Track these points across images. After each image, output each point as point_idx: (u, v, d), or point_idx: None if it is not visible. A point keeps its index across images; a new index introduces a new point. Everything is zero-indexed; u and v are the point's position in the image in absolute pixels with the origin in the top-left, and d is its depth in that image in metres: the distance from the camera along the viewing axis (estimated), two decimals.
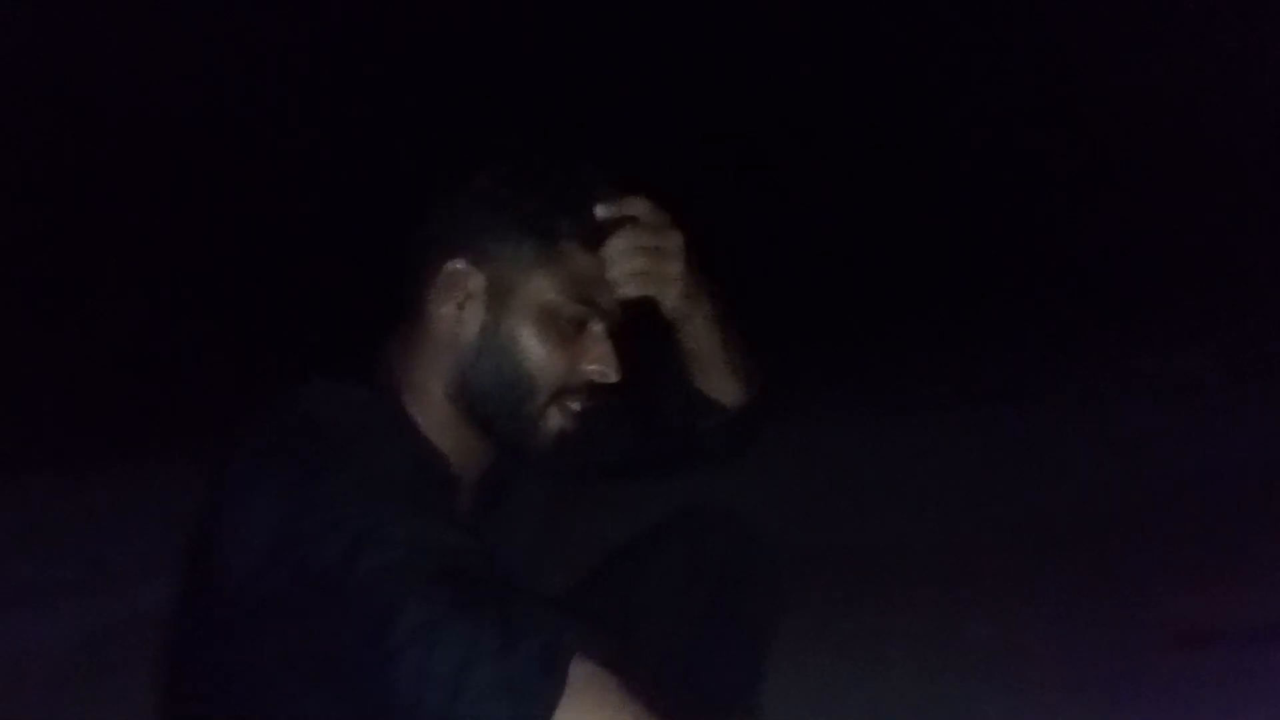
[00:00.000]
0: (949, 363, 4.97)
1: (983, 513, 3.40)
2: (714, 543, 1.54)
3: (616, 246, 1.29)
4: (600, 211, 1.28)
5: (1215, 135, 6.30)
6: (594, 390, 1.29)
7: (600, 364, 1.27)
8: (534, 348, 1.24)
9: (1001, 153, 6.83)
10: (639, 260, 1.31)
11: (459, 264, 1.25)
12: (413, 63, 7.08)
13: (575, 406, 1.28)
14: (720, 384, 1.48)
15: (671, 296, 1.38)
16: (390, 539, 1.04)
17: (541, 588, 1.42)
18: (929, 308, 5.72)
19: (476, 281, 1.25)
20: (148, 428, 4.35)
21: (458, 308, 1.25)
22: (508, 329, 1.25)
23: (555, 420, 1.27)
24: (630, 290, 1.32)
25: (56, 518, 3.43)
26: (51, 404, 4.66)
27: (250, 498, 1.14)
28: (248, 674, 1.15)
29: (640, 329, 1.36)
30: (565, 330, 1.25)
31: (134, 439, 4.19)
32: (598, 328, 1.28)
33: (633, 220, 1.31)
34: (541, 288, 1.24)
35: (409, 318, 1.28)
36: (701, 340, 1.44)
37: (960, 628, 2.51)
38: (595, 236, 1.28)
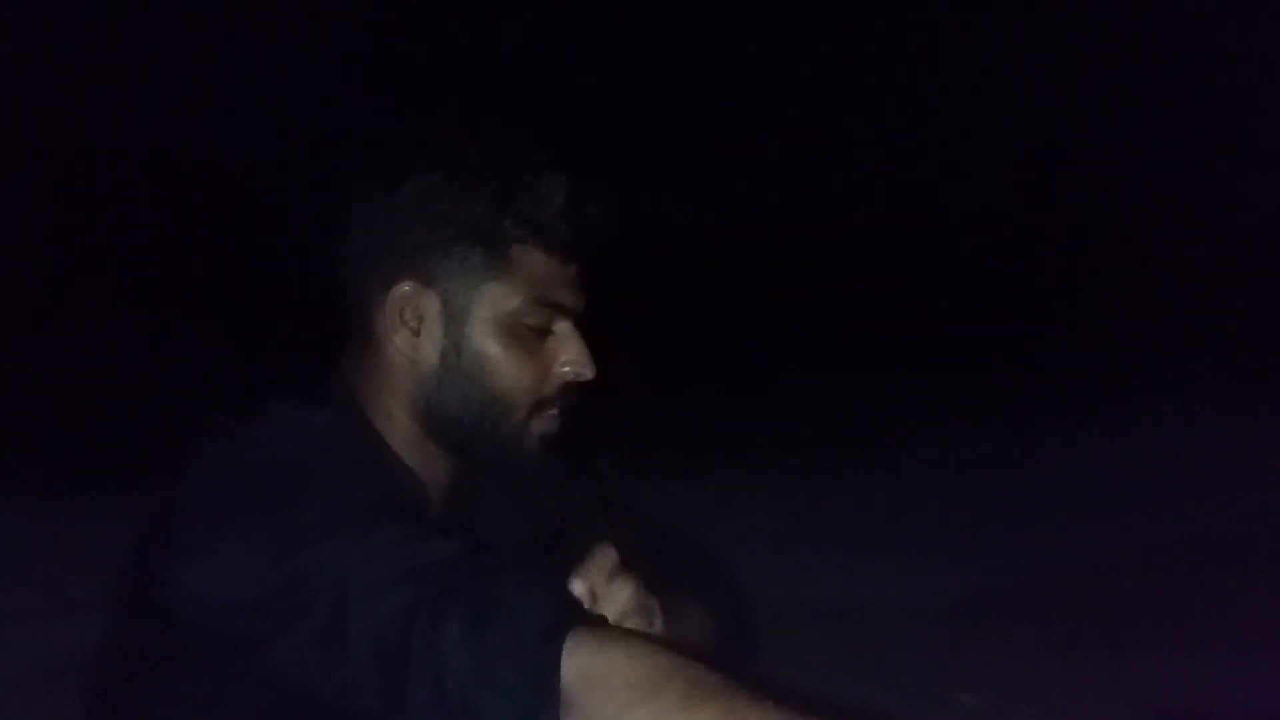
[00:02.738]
0: (939, 427, 4.95)
1: (969, 579, 3.36)
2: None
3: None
4: None
5: (1203, 215, 6.37)
6: (570, 390, 1.19)
7: (573, 364, 1.17)
8: (502, 367, 1.15)
9: (999, 226, 6.87)
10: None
11: (407, 287, 1.14)
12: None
13: (555, 412, 1.19)
14: None
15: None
16: (382, 581, 0.98)
17: None
18: (921, 372, 5.71)
19: (429, 304, 1.15)
20: (108, 455, 4.27)
21: (413, 334, 1.15)
22: (470, 351, 1.15)
23: (536, 430, 1.18)
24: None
25: (13, 545, 3.34)
26: (10, 431, 4.57)
27: (216, 534, 1.05)
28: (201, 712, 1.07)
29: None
30: (530, 339, 1.16)
31: (94, 466, 4.11)
32: (564, 326, 1.18)
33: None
34: (498, 299, 1.15)
35: (359, 340, 1.18)
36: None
37: (949, 697, 2.48)
38: (548, 231, 1.16)
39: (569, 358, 1.17)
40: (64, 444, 4.46)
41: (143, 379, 5.14)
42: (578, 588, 1.13)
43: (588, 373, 1.19)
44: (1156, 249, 6.31)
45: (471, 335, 1.15)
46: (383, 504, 1.06)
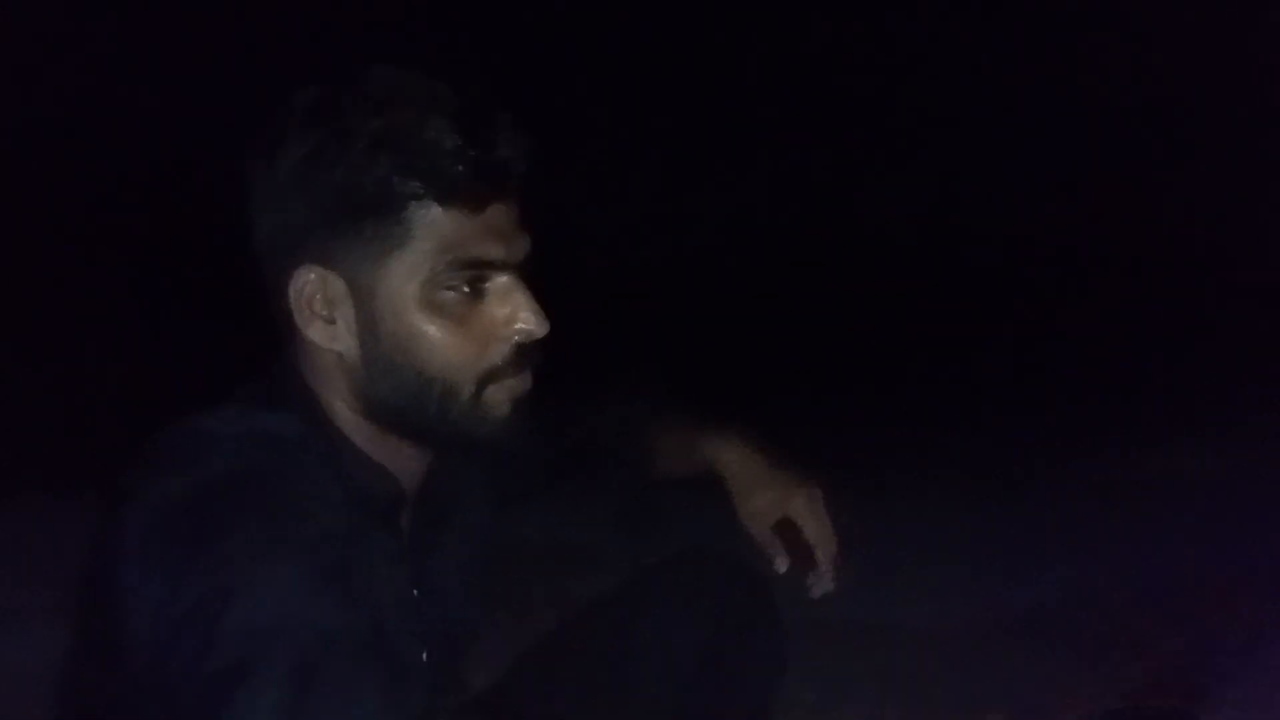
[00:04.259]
0: (955, 449, 4.93)
1: (987, 598, 3.33)
2: (711, 583, 1.41)
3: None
4: None
5: (1214, 241, 6.38)
6: (526, 351, 1.06)
7: (517, 323, 1.04)
8: (426, 344, 1.01)
9: (1009, 251, 6.86)
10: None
11: (310, 274, 1.02)
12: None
13: (514, 378, 1.06)
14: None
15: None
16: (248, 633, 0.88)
17: (482, 609, 1.31)
18: (934, 392, 5.70)
19: (335, 287, 1.02)
20: (106, 453, 4.20)
21: (327, 323, 1.03)
22: (389, 334, 1.02)
23: (496, 402, 1.05)
24: None
25: (12, 543, 3.32)
26: (8, 428, 4.49)
27: (152, 561, 0.95)
28: None
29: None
30: (459, 306, 1.02)
31: (93, 465, 4.03)
32: (500, 282, 1.04)
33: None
34: (411, 267, 1.00)
35: (291, 334, 1.07)
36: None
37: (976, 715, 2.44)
38: (441, 179, 0.99)
39: (510, 316, 1.04)
40: (63, 442, 4.36)
41: (139, 377, 5.08)
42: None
43: (538, 329, 1.06)
44: (1171, 273, 6.32)
45: (385, 316, 1.01)
46: (317, 534, 0.95)
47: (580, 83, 6.62)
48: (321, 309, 1.03)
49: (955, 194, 7.19)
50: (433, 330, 1.01)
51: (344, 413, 1.07)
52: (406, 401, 1.04)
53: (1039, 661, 2.79)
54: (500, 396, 1.05)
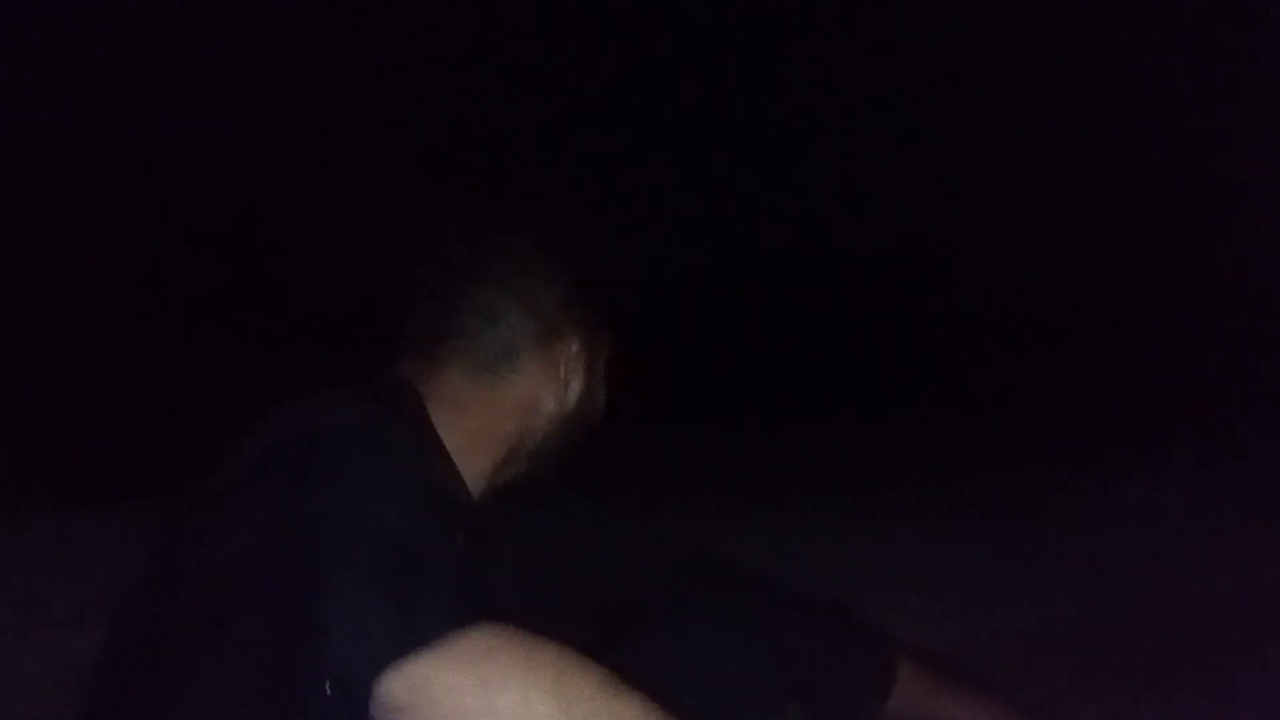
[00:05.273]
0: (934, 477, 4.95)
1: (952, 629, 3.31)
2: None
3: None
4: None
5: (1189, 280, 6.41)
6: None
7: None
8: (600, 403, 1.31)
9: (999, 286, 6.89)
10: None
11: (574, 346, 1.26)
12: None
13: None
14: None
15: None
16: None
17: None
18: (918, 423, 5.74)
19: (579, 361, 1.27)
20: (93, 472, 4.22)
21: (564, 386, 1.27)
22: (591, 393, 1.29)
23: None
24: None
25: None
26: None
27: (250, 507, 1.03)
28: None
29: None
30: None
31: (79, 483, 4.06)
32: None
33: None
34: (603, 348, 1.30)
35: (482, 370, 1.23)
36: None
37: None
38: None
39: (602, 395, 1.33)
40: (49, 460, 4.39)
41: (130, 396, 5.11)
42: None
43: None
44: (1152, 320, 6.36)
45: (595, 382, 1.29)
46: (427, 498, 1.06)
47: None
48: (569, 374, 1.26)
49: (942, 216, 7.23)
50: (602, 393, 1.32)
51: (489, 447, 1.23)
52: (571, 444, 1.29)
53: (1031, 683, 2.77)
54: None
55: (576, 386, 1.27)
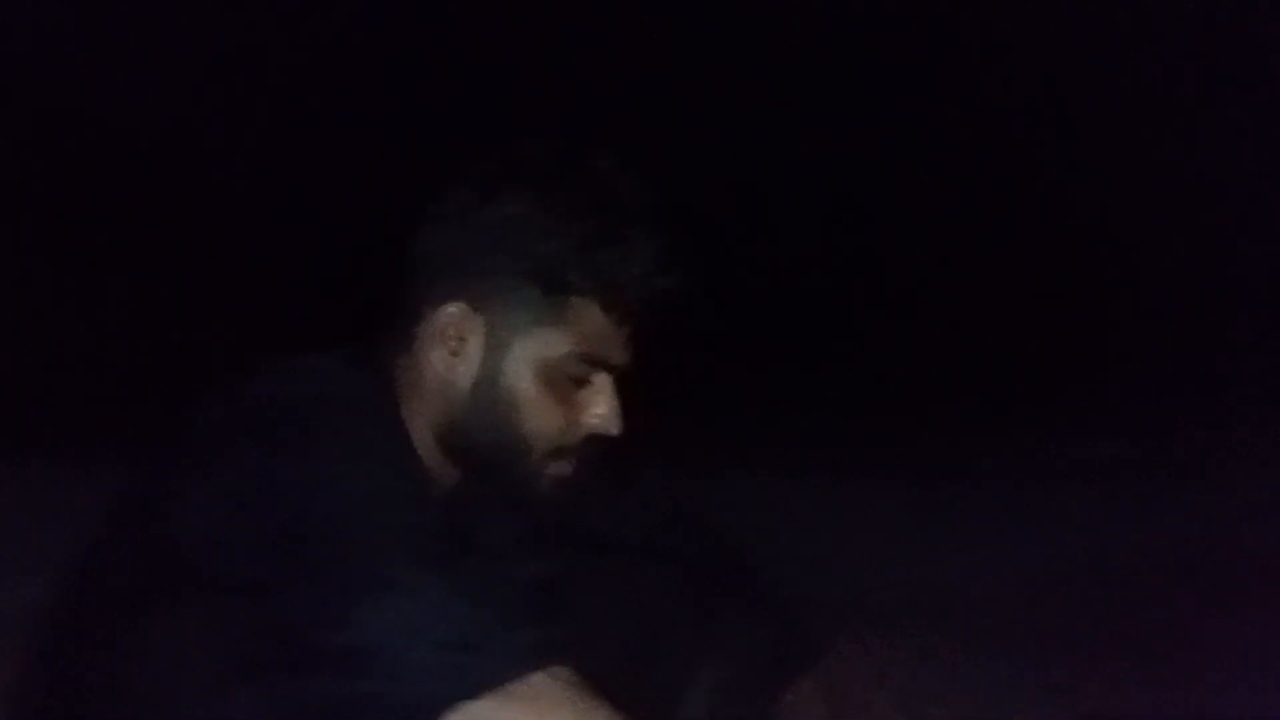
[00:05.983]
0: (882, 435, 4.99)
1: (899, 586, 3.34)
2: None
3: None
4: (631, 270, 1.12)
5: (1145, 240, 6.47)
6: (592, 441, 1.16)
7: (602, 419, 1.15)
8: (532, 408, 1.12)
9: (950, 246, 6.91)
10: None
11: (454, 309, 1.12)
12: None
13: (573, 459, 1.16)
14: None
15: None
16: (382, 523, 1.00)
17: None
18: (865, 381, 5.77)
19: (474, 330, 1.12)
20: (60, 425, 4.27)
21: (451, 354, 1.13)
22: (505, 385, 1.12)
23: (552, 473, 1.16)
24: None
25: None
26: None
27: (221, 468, 1.03)
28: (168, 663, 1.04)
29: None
30: (566, 386, 1.13)
31: (45, 437, 4.10)
32: (603, 379, 1.15)
33: None
34: (545, 344, 1.12)
35: (399, 342, 1.16)
36: None
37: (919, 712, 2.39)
38: (616, 292, 1.11)
39: (600, 411, 1.15)
40: (10, 412, 4.41)
41: (100, 351, 5.12)
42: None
43: (615, 430, 1.16)
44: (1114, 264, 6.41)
45: (508, 371, 1.12)
46: (396, 467, 1.06)
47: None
48: (452, 340, 1.13)
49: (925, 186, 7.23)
50: (538, 399, 1.12)
51: (418, 421, 1.16)
52: (486, 445, 1.14)
53: (934, 654, 2.82)
54: (556, 471, 1.16)
55: (471, 362, 1.13)
